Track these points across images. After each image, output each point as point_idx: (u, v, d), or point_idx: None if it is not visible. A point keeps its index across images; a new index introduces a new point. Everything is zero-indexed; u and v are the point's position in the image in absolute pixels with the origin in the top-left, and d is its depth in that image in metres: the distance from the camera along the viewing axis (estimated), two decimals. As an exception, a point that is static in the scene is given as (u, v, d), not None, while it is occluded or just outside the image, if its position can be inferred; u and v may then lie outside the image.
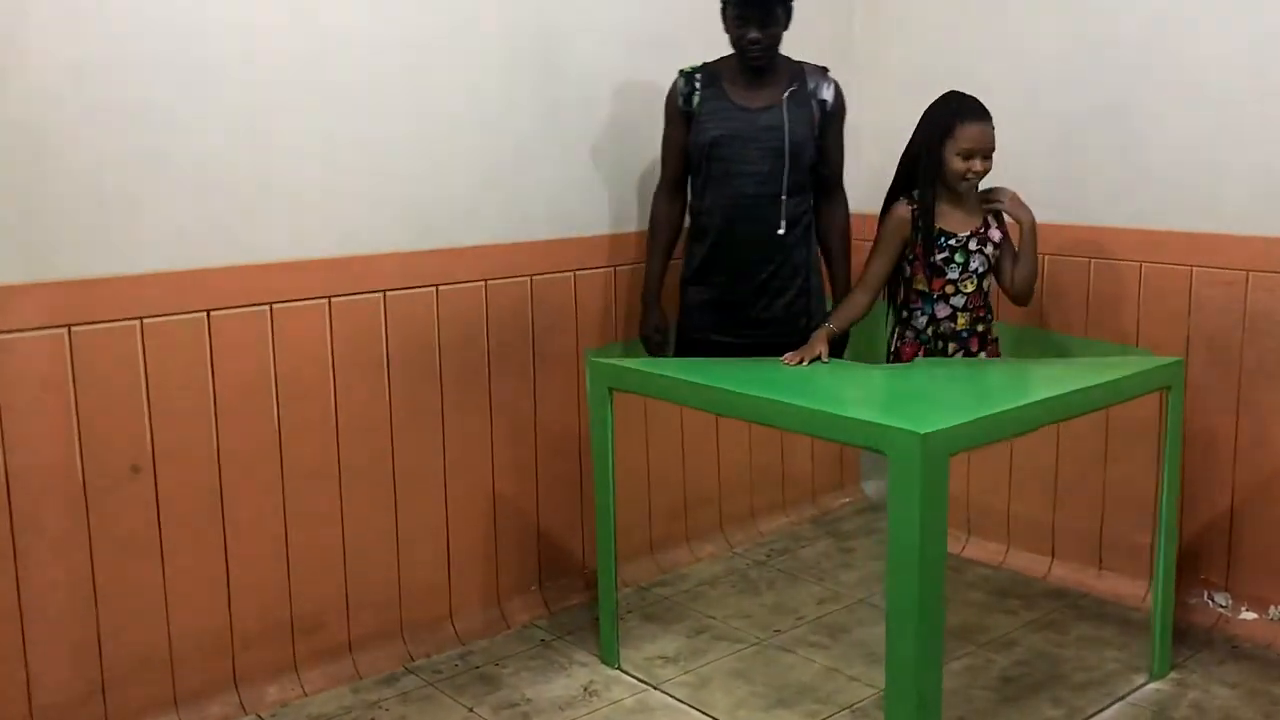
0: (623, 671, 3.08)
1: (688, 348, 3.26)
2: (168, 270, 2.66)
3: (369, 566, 3.08)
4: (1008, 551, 3.77)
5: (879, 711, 2.81)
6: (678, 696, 2.95)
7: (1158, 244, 3.29)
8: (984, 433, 2.39)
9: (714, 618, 3.40)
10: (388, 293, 3.02)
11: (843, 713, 2.86)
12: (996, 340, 3.18)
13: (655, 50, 3.35)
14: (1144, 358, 3.02)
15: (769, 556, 3.87)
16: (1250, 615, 3.22)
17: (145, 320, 2.64)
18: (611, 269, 3.46)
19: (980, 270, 3.07)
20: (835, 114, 3.16)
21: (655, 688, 3.00)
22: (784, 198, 3.07)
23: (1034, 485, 3.68)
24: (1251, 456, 3.18)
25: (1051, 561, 3.65)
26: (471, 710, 2.89)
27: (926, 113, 3.07)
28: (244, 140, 2.75)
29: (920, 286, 3.08)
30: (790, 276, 3.15)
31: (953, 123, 2.97)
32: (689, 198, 3.25)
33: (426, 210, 3.08)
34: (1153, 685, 2.96)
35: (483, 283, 3.20)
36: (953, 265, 3.03)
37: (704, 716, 2.86)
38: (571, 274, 3.39)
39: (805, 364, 2.90)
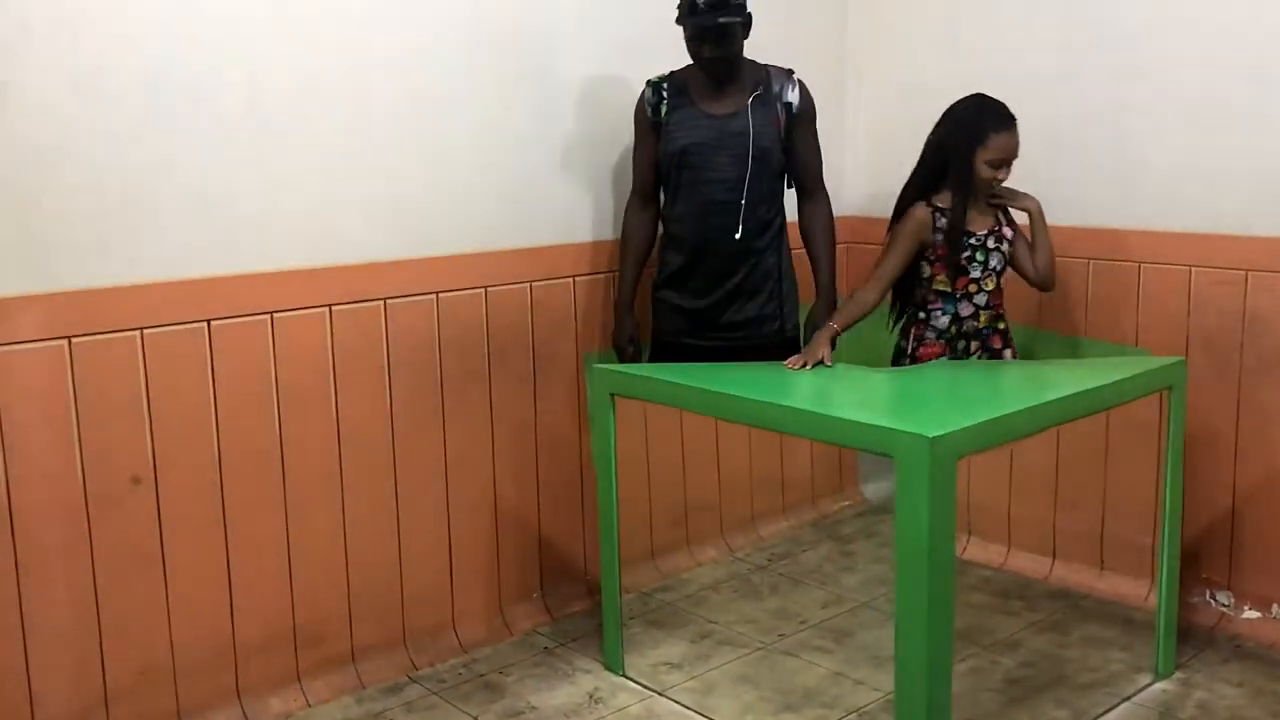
0: (627, 678, 3.07)
1: (660, 351, 3.28)
2: (168, 280, 2.65)
3: (371, 575, 3.07)
4: (1009, 553, 3.77)
5: (887, 715, 2.80)
6: (684, 703, 2.94)
7: (1156, 244, 3.30)
8: (991, 435, 2.39)
9: (717, 623, 3.39)
10: (388, 301, 3.01)
11: (850, 717, 2.86)
12: (1012, 337, 3.23)
13: (654, 57, 3.34)
14: (1145, 358, 3.02)
15: (770, 561, 3.86)
16: (1253, 614, 3.23)
17: (145, 331, 2.62)
18: (611, 274, 3.45)
19: (998, 268, 3.11)
20: (802, 115, 3.15)
21: (661, 694, 2.99)
22: (753, 203, 3.08)
23: (1034, 486, 3.68)
24: (1252, 456, 3.19)
25: (1053, 562, 3.65)
26: (476, 719, 2.88)
27: (954, 117, 3.07)
28: (243, 150, 2.73)
29: (941, 286, 3.10)
30: (762, 280, 3.16)
31: (985, 131, 2.99)
32: (660, 206, 3.26)
33: (426, 218, 3.07)
34: (1158, 685, 2.96)
35: (482, 290, 3.19)
36: (974, 264, 3.06)
37: (710, 722, 2.86)
38: (570, 280, 3.38)
39: (809, 368, 2.90)
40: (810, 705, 2.91)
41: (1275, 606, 3.20)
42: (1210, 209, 3.19)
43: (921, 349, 3.13)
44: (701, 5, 2.94)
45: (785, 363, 2.95)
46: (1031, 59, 3.56)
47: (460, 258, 3.14)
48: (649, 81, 3.18)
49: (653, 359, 3.29)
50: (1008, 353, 3.20)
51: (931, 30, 3.87)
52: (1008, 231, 3.14)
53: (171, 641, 2.74)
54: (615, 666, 3.10)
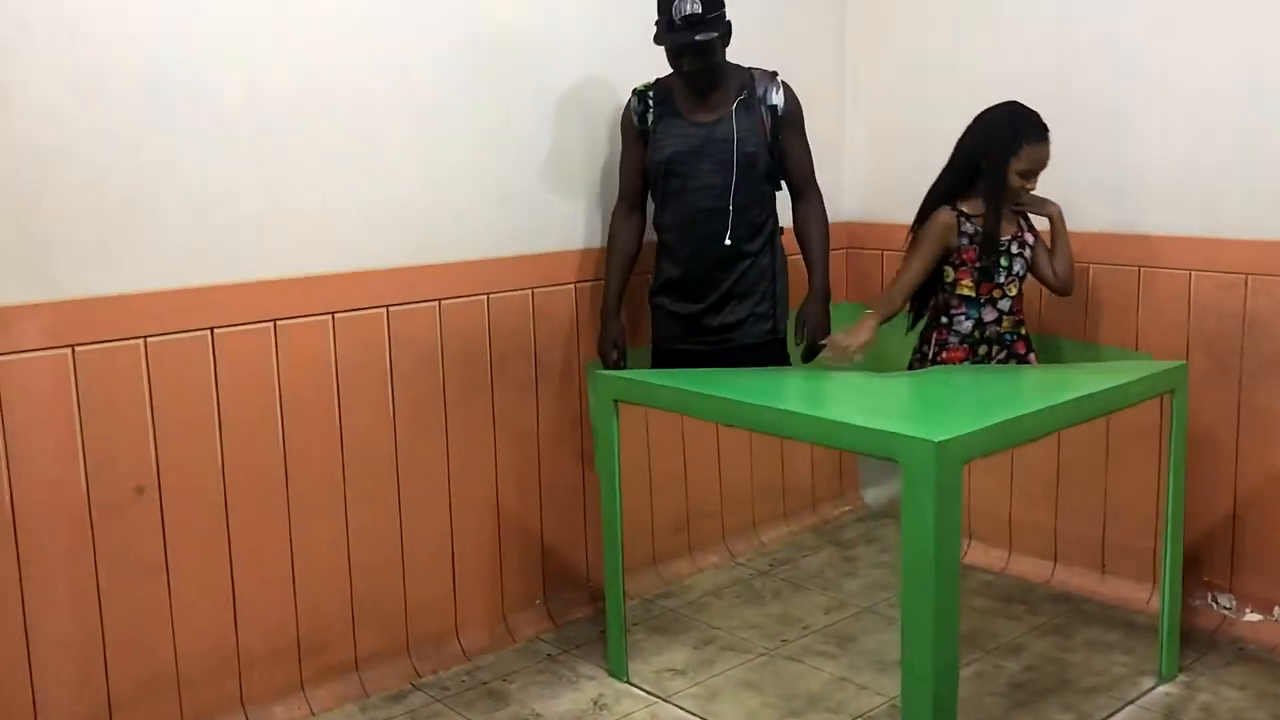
0: (632, 685, 3.07)
1: (657, 357, 3.30)
2: (171, 288, 2.64)
3: (374, 583, 3.06)
4: (1010, 557, 3.77)
5: (891, 720, 2.81)
6: (689, 709, 2.94)
7: (1156, 249, 3.31)
8: (997, 440, 2.39)
9: (720, 629, 3.39)
10: (390, 308, 3.01)
11: (854, 722, 2.86)
12: (1034, 343, 3.26)
13: (658, 63, 3.35)
14: (1147, 362, 3.03)
15: (772, 566, 3.86)
16: (1255, 617, 3.23)
17: (149, 339, 2.62)
18: (611, 281, 3.45)
19: (1020, 273, 3.13)
20: (788, 117, 3.15)
21: (666, 700, 2.99)
22: (744, 207, 3.09)
23: (1036, 490, 3.69)
24: (1252, 459, 3.20)
25: (1054, 566, 3.66)
26: (481, 726, 2.89)
27: (988, 124, 3.08)
28: (246, 158, 2.73)
29: (965, 291, 3.11)
30: (754, 283, 3.17)
31: (1019, 142, 3.01)
32: (648, 214, 3.27)
33: (428, 225, 3.07)
34: (1162, 688, 2.96)
35: (484, 297, 3.19)
36: (999, 269, 3.08)
37: (715, 728, 2.86)
38: (572, 286, 3.38)
39: (854, 349, 2.95)
40: (815, 711, 2.91)
41: (1277, 609, 3.20)
42: (1210, 213, 3.20)
43: (944, 354, 3.13)
44: (679, 22, 2.93)
45: (826, 340, 3.00)
46: (1030, 64, 3.56)
47: (462, 265, 3.14)
48: (635, 90, 3.19)
49: (653, 365, 3.30)
50: (1032, 357, 3.22)
51: (930, 36, 3.88)
52: (1029, 237, 3.16)
53: (175, 650, 2.73)
54: (619, 673, 3.10)
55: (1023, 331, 3.21)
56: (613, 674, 3.11)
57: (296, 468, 2.88)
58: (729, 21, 3.03)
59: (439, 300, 3.10)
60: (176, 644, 2.73)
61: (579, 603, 3.50)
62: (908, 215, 4.13)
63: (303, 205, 2.84)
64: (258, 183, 2.76)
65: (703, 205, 3.10)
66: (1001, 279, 3.11)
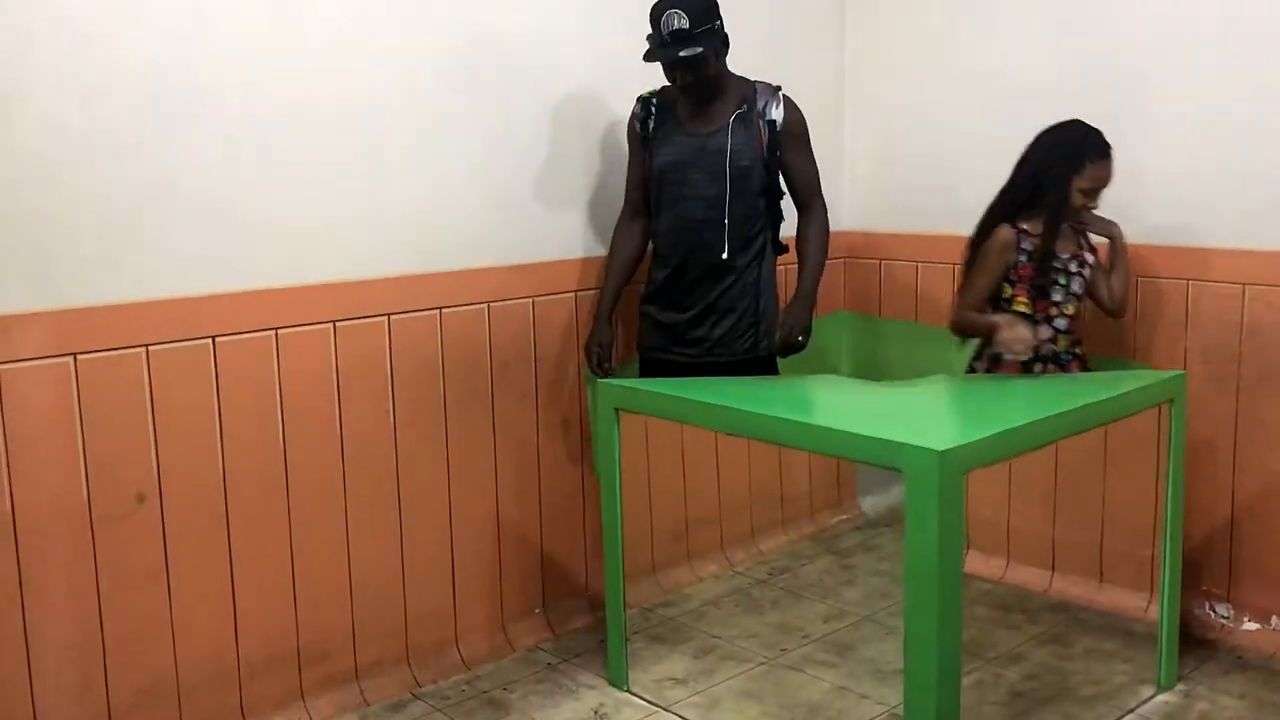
0: (632, 694, 3.07)
1: (644, 366, 3.30)
2: (173, 297, 2.64)
3: (374, 592, 3.06)
4: (1008, 565, 3.78)
5: (892, 729, 2.81)
6: (689, 718, 2.94)
7: (1155, 259, 3.32)
8: (999, 449, 2.40)
9: (720, 637, 3.39)
10: (391, 316, 3.01)
11: (855, 731, 2.86)
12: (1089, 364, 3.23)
13: (656, 72, 3.36)
14: (1146, 371, 3.04)
15: (770, 575, 3.87)
16: (1252, 626, 3.24)
17: (150, 348, 2.62)
18: (613, 290, 3.46)
19: (1079, 292, 3.11)
20: (788, 131, 3.12)
21: (666, 709, 2.99)
22: (733, 221, 3.07)
23: (1034, 499, 3.70)
24: (1250, 468, 3.21)
25: (1052, 575, 3.66)
26: (482, 736, 2.88)
27: (1051, 143, 3.06)
28: (247, 167, 2.73)
29: (1021, 308, 3.09)
30: (739, 297, 3.14)
31: (1083, 160, 3.00)
32: (650, 221, 3.27)
33: (429, 234, 3.07)
34: (1161, 697, 2.97)
35: (485, 305, 3.20)
36: (1056, 288, 3.07)
37: (716, 737, 2.86)
38: (573, 295, 3.39)
39: (1036, 342, 2.99)
40: (815, 720, 2.92)
41: (1274, 618, 3.21)
42: (1208, 223, 3.22)
43: (998, 370, 3.11)
44: (666, 37, 2.93)
45: (1014, 336, 2.99)
46: (1028, 74, 3.59)
47: (463, 273, 3.14)
48: (639, 96, 3.19)
49: (641, 374, 3.29)
50: None
51: (929, 46, 3.90)
52: (1089, 256, 3.15)
53: (175, 658, 2.72)
54: (619, 682, 3.10)
55: (1079, 351, 3.16)
56: (613, 683, 3.11)
57: (297, 476, 2.88)
58: (724, 34, 3.02)
59: (440, 309, 3.10)
60: (176, 652, 2.73)
61: (578, 612, 3.50)
62: (907, 225, 4.16)
63: (304, 214, 2.84)
64: (259, 192, 2.76)
65: (693, 216, 3.10)
66: (1058, 297, 3.09)
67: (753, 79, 3.15)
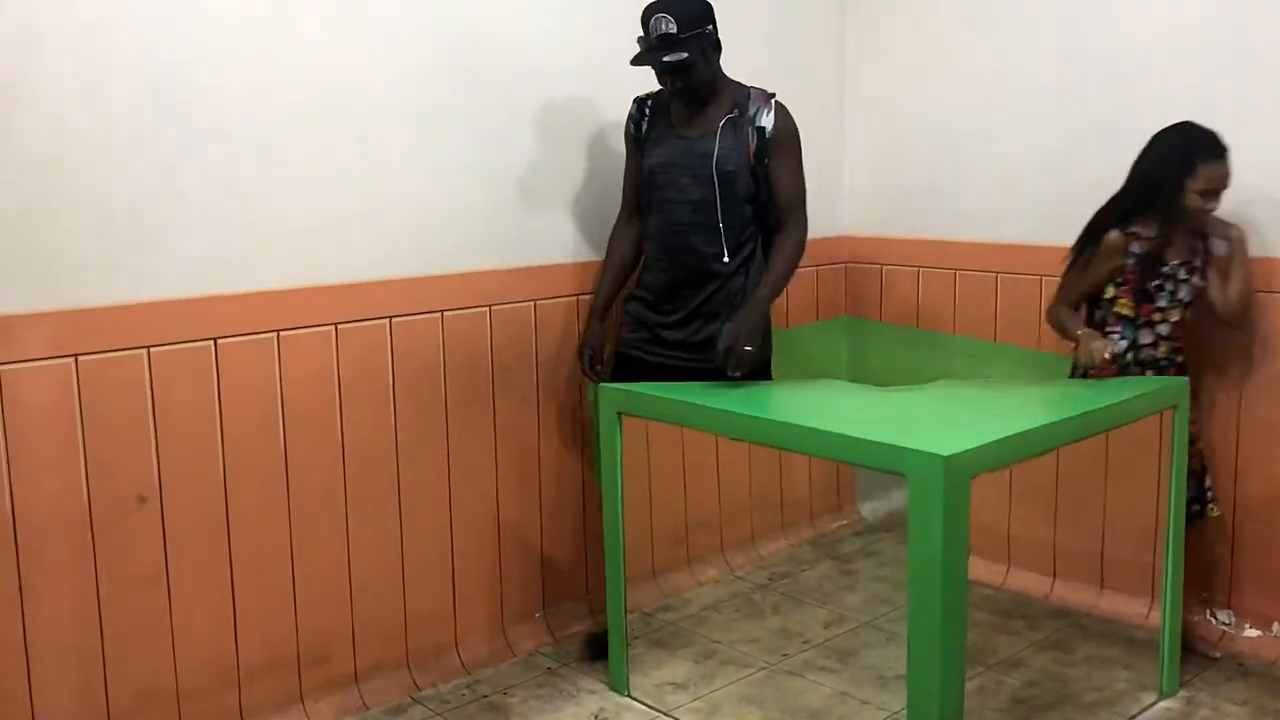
0: (632, 699, 3.06)
1: (618, 360, 3.24)
2: (174, 298, 2.64)
3: (374, 595, 3.05)
4: (1008, 571, 3.77)
5: (894, 735, 2.80)
6: (690, 723, 2.94)
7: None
8: (1004, 454, 2.39)
9: (720, 642, 3.38)
10: (393, 319, 3.00)
11: (856, 737, 2.86)
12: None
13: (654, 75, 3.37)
14: (1149, 377, 3.04)
15: (771, 580, 3.86)
16: (1254, 632, 3.24)
17: (152, 349, 2.61)
18: (614, 293, 3.45)
19: (1186, 299, 3.06)
20: (777, 140, 3.04)
21: (666, 714, 2.98)
22: (719, 226, 3.03)
23: (1034, 505, 3.70)
24: (1251, 474, 3.21)
25: (1053, 581, 3.66)
26: (482, 740, 2.87)
27: (1161, 146, 3.01)
28: (249, 169, 2.73)
29: (1124, 310, 3.06)
30: (723, 304, 3.08)
31: (1194, 162, 2.94)
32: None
33: (431, 236, 3.07)
34: (1162, 704, 2.97)
35: (487, 308, 3.19)
36: (1162, 293, 3.03)
37: (717, 743, 2.85)
38: (574, 299, 3.38)
39: (1109, 354, 2.96)
40: (817, 725, 2.91)
41: (1276, 625, 3.21)
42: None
43: (1096, 372, 3.05)
44: (655, 41, 2.91)
45: (1083, 349, 2.98)
46: (1029, 79, 3.58)
47: (465, 276, 3.13)
48: (636, 98, 3.18)
49: (615, 369, 3.23)
50: None
51: (929, 51, 3.90)
52: (1202, 263, 3.08)
53: (175, 661, 2.71)
54: (620, 687, 3.09)
55: (1179, 360, 3.10)
56: (613, 688, 3.10)
57: (298, 479, 2.87)
58: (715, 39, 2.98)
59: (442, 311, 3.09)
60: (176, 655, 2.71)
61: (578, 616, 3.49)
62: (906, 229, 4.15)
63: (306, 216, 2.83)
64: (261, 194, 2.76)
65: (679, 219, 3.08)
66: (1163, 303, 3.04)
67: (749, 85, 3.11)
